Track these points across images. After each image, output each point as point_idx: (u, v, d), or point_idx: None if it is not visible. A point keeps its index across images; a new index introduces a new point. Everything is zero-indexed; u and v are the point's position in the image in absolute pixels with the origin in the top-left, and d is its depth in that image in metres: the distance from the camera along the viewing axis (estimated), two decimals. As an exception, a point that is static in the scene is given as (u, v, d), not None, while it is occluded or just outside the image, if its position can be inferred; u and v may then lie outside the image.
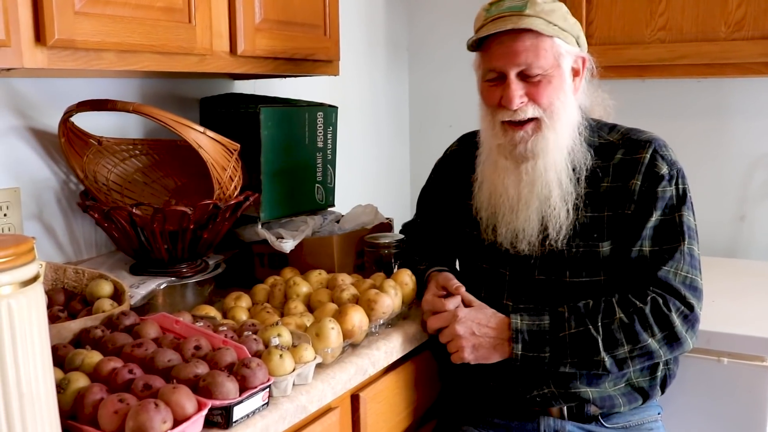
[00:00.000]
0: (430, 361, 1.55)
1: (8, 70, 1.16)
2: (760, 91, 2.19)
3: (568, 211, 1.40)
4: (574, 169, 1.41)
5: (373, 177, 2.61)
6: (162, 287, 1.45)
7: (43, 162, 1.52)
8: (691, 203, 1.41)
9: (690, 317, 1.33)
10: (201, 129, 1.37)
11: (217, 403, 1.00)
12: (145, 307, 1.42)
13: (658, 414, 1.49)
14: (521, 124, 1.38)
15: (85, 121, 1.52)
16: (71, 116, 1.42)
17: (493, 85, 1.39)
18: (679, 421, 1.58)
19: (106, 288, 1.36)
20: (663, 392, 1.46)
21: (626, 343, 1.32)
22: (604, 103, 1.55)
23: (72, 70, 1.37)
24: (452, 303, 1.41)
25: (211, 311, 1.36)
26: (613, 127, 1.48)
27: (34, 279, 0.87)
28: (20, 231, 1.47)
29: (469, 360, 1.38)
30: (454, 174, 1.60)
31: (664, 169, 1.38)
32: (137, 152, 1.63)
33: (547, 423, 1.44)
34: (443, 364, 1.56)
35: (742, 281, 1.93)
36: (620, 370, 1.35)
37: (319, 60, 1.72)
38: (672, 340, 1.32)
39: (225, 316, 1.39)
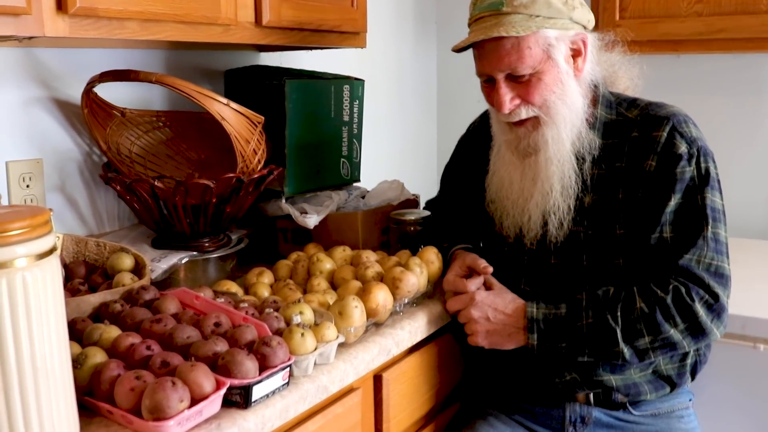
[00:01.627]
0: (453, 343, 1.52)
1: (30, 38, 1.13)
2: (801, 67, 2.11)
3: (569, 206, 1.36)
4: (581, 158, 1.36)
5: (399, 152, 2.57)
6: (184, 262, 1.43)
7: (66, 133, 1.50)
8: (718, 182, 1.33)
9: (715, 307, 1.27)
10: (224, 101, 1.34)
11: (236, 382, 0.98)
12: (166, 282, 1.41)
13: (690, 401, 1.44)
14: (521, 122, 1.35)
15: (108, 92, 1.50)
16: (94, 87, 1.40)
17: (488, 87, 1.37)
18: (712, 408, 1.54)
19: (127, 261, 1.34)
20: (693, 379, 1.42)
21: (647, 334, 1.27)
22: (630, 74, 1.48)
23: (95, 40, 1.35)
24: (474, 284, 1.37)
25: (233, 287, 1.33)
26: (633, 102, 1.41)
27: (51, 251, 0.85)
28: (42, 203, 1.46)
29: (482, 345, 1.36)
30: (476, 150, 1.56)
31: (683, 148, 1.30)
32: (160, 124, 1.61)
33: (573, 409, 1.40)
34: (467, 346, 1.53)
35: (778, 265, 1.87)
36: (641, 361, 1.31)
37: (345, 32, 1.68)
38: (696, 330, 1.27)
39: (247, 292, 1.37)
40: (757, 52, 1.99)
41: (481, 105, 2.73)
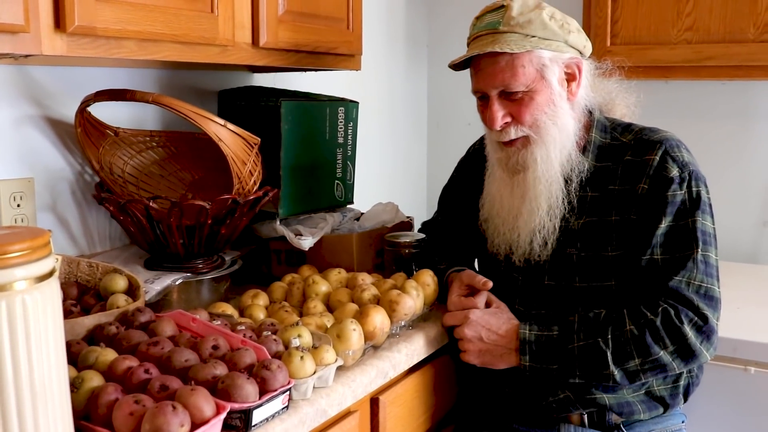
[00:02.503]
0: (448, 365, 1.51)
1: (26, 56, 1.12)
2: (787, 94, 2.14)
3: (555, 226, 1.38)
4: (568, 179, 1.37)
5: (389, 174, 2.57)
6: (178, 283, 1.41)
7: (58, 152, 1.49)
8: (709, 206, 1.35)
9: (705, 329, 1.27)
10: (221, 122, 1.33)
11: (236, 406, 0.96)
12: (159, 303, 1.39)
13: (683, 422, 1.44)
14: (511, 142, 1.37)
15: (101, 111, 1.48)
16: (88, 106, 1.39)
17: (482, 105, 1.40)
18: (704, 430, 1.54)
19: (121, 283, 1.33)
20: (686, 400, 1.42)
21: (636, 356, 1.28)
22: (627, 101, 1.50)
23: (89, 59, 1.34)
24: (477, 301, 1.39)
25: (228, 309, 1.32)
26: (627, 127, 1.43)
27: (50, 274, 0.84)
28: (33, 222, 1.44)
29: (474, 363, 1.38)
30: (474, 172, 1.57)
31: (674, 172, 1.32)
32: (154, 144, 1.60)
33: (568, 430, 1.40)
34: (461, 367, 1.52)
35: (766, 288, 1.89)
36: (632, 383, 1.32)
37: (341, 54, 1.68)
38: (685, 353, 1.27)
39: (242, 314, 1.35)
40: (744, 80, 2.02)
41: (471, 127, 2.74)
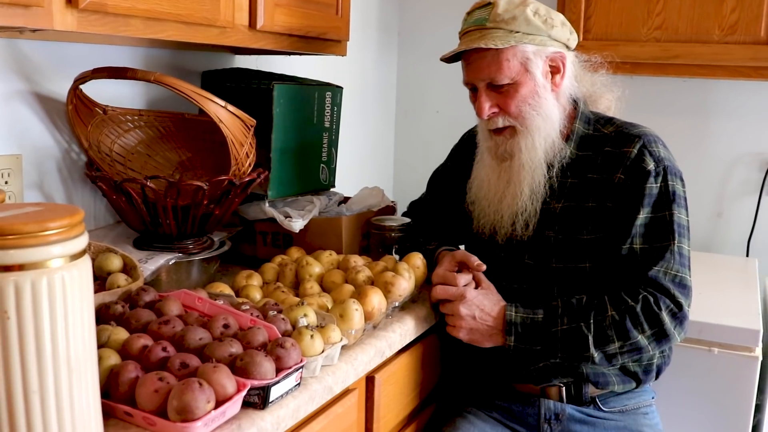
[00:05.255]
0: (434, 345, 1.56)
1: (34, 31, 1.11)
2: (741, 92, 2.27)
3: (536, 210, 1.45)
4: (551, 166, 1.44)
5: (358, 160, 2.60)
6: (171, 263, 1.41)
7: (46, 129, 1.46)
8: (684, 199, 1.43)
9: (678, 315, 1.37)
10: (222, 103, 1.34)
11: (256, 383, 0.99)
12: (149, 284, 1.39)
13: (652, 398, 1.54)
14: (499, 130, 1.45)
15: (88, 88, 1.46)
16: (84, 83, 1.37)
17: (473, 95, 1.47)
18: (671, 406, 1.64)
19: (116, 262, 1.33)
20: (657, 378, 1.51)
21: (617, 340, 1.35)
22: (611, 95, 1.58)
23: (78, 35, 1.33)
24: (463, 279, 1.44)
25: (226, 289, 1.33)
26: (609, 120, 1.51)
27: (84, 252, 0.84)
28: (20, 200, 1.41)
29: (462, 339, 1.43)
30: (464, 157, 1.63)
31: (651, 165, 1.40)
32: (142, 123, 1.58)
33: (547, 406, 1.47)
34: (447, 346, 1.58)
35: (721, 274, 2.01)
36: (609, 363, 1.40)
37: (329, 39, 1.70)
38: (660, 336, 1.36)
39: (237, 294, 1.37)
40: (707, 78, 2.12)
41: (439, 115, 2.80)
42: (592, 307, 1.37)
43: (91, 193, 1.56)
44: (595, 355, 1.36)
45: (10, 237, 0.76)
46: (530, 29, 1.38)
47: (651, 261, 1.38)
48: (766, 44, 1.91)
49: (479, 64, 1.41)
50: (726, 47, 1.96)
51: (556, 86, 1.44)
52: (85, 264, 0.84)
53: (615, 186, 1.41)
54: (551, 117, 1.44)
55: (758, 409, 1.66)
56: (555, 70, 1.44)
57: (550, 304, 1.40)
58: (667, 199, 1.40)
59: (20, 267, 0.76)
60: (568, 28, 1.45)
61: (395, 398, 1.41)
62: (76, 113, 1.44)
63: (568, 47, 1.45)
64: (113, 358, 1.00)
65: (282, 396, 1.04)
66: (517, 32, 1.37)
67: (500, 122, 1.44)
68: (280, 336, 1.10)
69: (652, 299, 1.35)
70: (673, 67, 2.03)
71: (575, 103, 1.49)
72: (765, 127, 2.26)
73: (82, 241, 0.84)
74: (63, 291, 0.79)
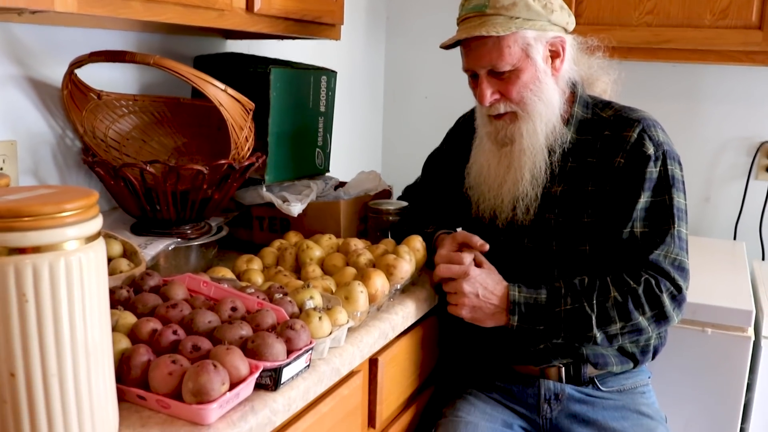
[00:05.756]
0: (433, 328, 1.57)
1: (33, 12, 1.09)
2: (730, 77, 2.29)
3: (537, 195, 1.46)
4: (552, 150, 1.45)
5: (346, 145, 2.59)
6: (171, 248, 1.41)
7: (40, 115, 1.44)
8: (682, 184, 1.45)
9: (678, 297, 1.39)
10: (222, 86, 1.33)
11: (269, 364, 0.99)
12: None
13: (648, 378, 1.56)
14: (500, 116, 1.45)
15: (82, 74, 1.44)
16: (80, 66, 1.35)
17: (473, 82, 1.47)
18: (667, 386, 1.67)
19: (116, 247, 1.32)
20: (653, 358, 1.53)
21: (618, 321, 1.37)
22: (607, 78, 1.59)
23: (75, 17, 1.31)
24: (467, 258, 1.44)
25: (228, 273, 1.33)
26: (608, 104, 1.52)
27: (99, 234, 0.84)
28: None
29: (464, 317, 1.42)
30: (461, 141, 1.63)
31: (651, 150, 1.41)
32: (136, 108, 1.57)
33: (547, 386, 1.49)
34: (448, 328, 1.59)
35: (711, 257, 2.04)
36: (610, 344, 1.41)
37: (324, 23, 1.69)
38: (660, 318, 1.38)
39: (238, 278, 1.36)
40: (697, 63, 2.14)
41: (428, 101, 2.80)
42: (595, 288, 1.38)
43: (86, 178, 1.54)
44: (598, 335, 1.37)
45: (27, 219, 0.75)
46: (530, 15, 1.38)
47: (652, 244, 1.39)
48: (758, 29, 1.93)
49: (480, 51, 1.40)
50: (717, 32, 1.98)
51: (556, 71, 1.45)
52: (101, 246, 0.83)
53: (615, 170, 1.42)
54: (552, 102, 1.44)
55: (749, 388, 1.69)
56: (555, 54, 1.44)
57: (552, 284, 1.41)
58: (666, 183, 1.41)
59: (36, 249, 0.76)
60: (566, 12, 1.45)
61: (397, 380, 1.42)
62: (71, 98, 1.42)
63: (566, 30, 1.46)
64: (123, 342, 1.00)
65: (292, 378, 1.04)
66: (518, 18, 1.37)
67: (501, 108, 1.44)
68: (289, 318, 1.10)
69: (653, 282, 1.37)
70: (664, 51, 2.04)
71: (573, 86, 1.50)
72: (753, 112, 2.29)
73: (97, 223, 0.83)
74: (80, 273, 0.79)
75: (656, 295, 1.37)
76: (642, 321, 1.37)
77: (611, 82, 1.57)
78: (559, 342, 1.43)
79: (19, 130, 1.40)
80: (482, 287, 1.41)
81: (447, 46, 1.46)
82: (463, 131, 1.65)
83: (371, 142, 2.78)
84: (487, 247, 1.45)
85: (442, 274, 1.43)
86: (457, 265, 1.42)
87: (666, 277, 1.38)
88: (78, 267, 0.78)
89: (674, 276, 1.38)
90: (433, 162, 1.73)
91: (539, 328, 1.39)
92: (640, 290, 1.37)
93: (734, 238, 2.34)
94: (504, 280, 1.43)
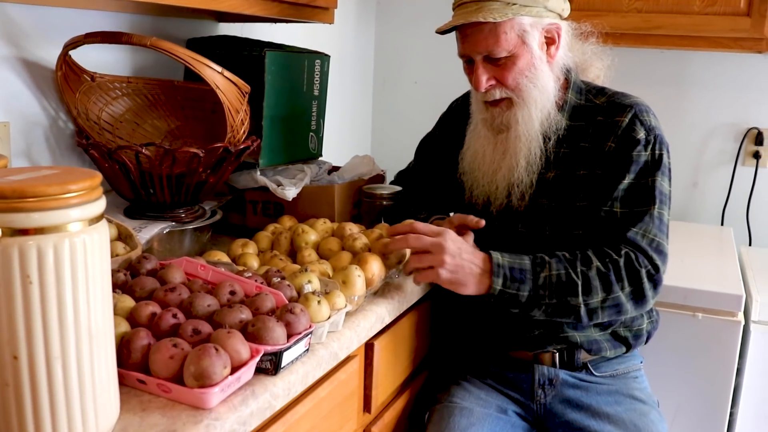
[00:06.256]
0: (427, 313, 1.58)
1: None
2: (718, 63, 2.31)
3: (532, 181, 1.46)
4: (547, 137, 1.46)
5: (336, 129, 2.58)
6: (166, 232, 1.40)
7: (33, 96, 1.42)
8: (669, 170, 1.45)
9: (655, 277, 1.38)
10: (219, 69, 1.32)
11: (269, 348, 0.99)
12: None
13: (641, 363, 1.58)
14: (495, 102, 1.45)
15: (75, 55, 1.43)
16: (76, 48, 1.33)
17: (468, 68, 1.46)
18: (658, 370, 1.69)
19: (111, 231, 1.30)
20: (646, 342, 1.55)
21: (600, 292, 1.34)
22: (600, 64, 1.60)
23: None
24: (470, 240, 1.42)
25: (224, 257, 1.32)
26: (601, 90, 1.52)
27: (102, 216, 0.83)
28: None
29: (442, 279, 1.32)
30: (455, 126, 1.63)
31: (641, 134, 1.42)
32: (130, 91, 1.55)
33: (541, 372, 1.50)
34: (442, 314, 1.60)
35: (699, 242, 2.06)
36: (590, 320, 1.37)
37: (318, 6, 1.68)
38: (637, 296, 1.37)
39: (234, 262, 1.36)
40: (687, 49, 2.16)
41: (417, 86, 2.80)
42: (577, 258, 1.37)
43: (78, 161, 1.52)
44: (581, 306, 1.34)
45: (31, 199, 0.74)
46: (527, 1, 1.38)
47: (630, 223, 1.39)
48: (746, 15, 1.95)
49: (476, 37, 1.40)
50: (706, 18, 1.99)
51: (551, 57, 1.45)
52: (104, 228, 0.82)
53: (605, 154, 1.43)
54: (547, 88, 1.44)
55: (739, 372, 1.72)
56: (550, 41, 1.44)
57: (534, 255, 1.38)
58: (653, 167, 1.42)
59: (41, 230, 0.75)
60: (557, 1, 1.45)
61: (392, 365, 1.42)
62: (64, 80, 1.40)
63: (561, 17, 1.46)
64: (123, 326, 0.99)
65: (292, 362, 1.04)
66: (515, 4, 1.37)
67: (497, 94, 1.43)
68: (288, 302, 1.10)
69: (633, 256, 1.37)
70: (654, 37, 2.05)
71: (567, 72, 1.50)
72: (741, 98, 2.31)
73: (101, 205, 0.82)
74: (84, 255, 0.78)
75: (636, 269, 1.36)
76: (621, 296, 1.35)
77: (604, 68, 1.57)
78: (548, 324, 1.44)
79: (12, 112, 1.38)
80: (463, 247, 1.34)
81: (442, 32, 1.45)
82: (456, 116, 1.65)
83: (361, 127, 2.78)
84: (483, 222, 1.43)
85: (419, 230, 1.34)
86: (432, 226, 1.36)
87: (644, 254, 1.38)
88: (82, 249, 0.78)
89: (651, 255, 1.38)
90: (425, 146, 1.73)
91: (521, 294, 1.34)
92: (621, 262, 1.36)
93: (722, 224, 2.37)
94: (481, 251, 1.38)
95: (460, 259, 1.33)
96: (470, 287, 1.34)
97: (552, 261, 1.36)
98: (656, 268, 1.38)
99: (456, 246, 1.33)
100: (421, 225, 1.36)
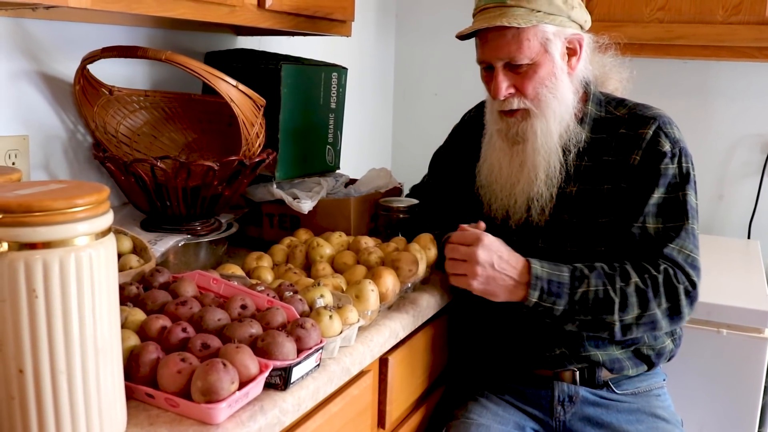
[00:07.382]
0: (444, 328, 1.56)
1: (47, 8, 1.09)
2: (743, 73, 2.27)
3: (552, 195, 1.43)
4: (567, 150, 1.43)
5: (357, 142, 2.58)
6: (181, 245, 1.40)
7: (52, 110, 1.44)
8: (695, 183, 1.43)
9: (691, 294, 1.36)
10: (233, 82, 1.32)
11: (279, 363, 0.98)
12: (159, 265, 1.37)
13: (663, 380, 1.54)
14: (512, 112, 1.42)
15: (93, 69, 1.44)
16: (93, 62, 1.35)
17: (487, 75, 1.44)
18: (682, 388, 1.65)
19: (126, 243, 1.31)
20: (669, 360, 1.51)
21: (636, 308, 1.32)
22: (620, 76, 1.57)
23: (84, 13, 1.31)
24: (482, 225, 1.41)
25: (238, 270, 1.32)
26: (621, 102, 1.50)
27: (110, 230, 0.83)
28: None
29: (475, 289, 1.33)
30: (469, 138, 1.61)
31: (667, 147, 1.40)
32: (147, 104, 1.56)
33: (561, 388, 1.47)
34: (460, 328, 1.58)
35: (725, 256, 2.02)
36: (623, 336, 1.36)
37: (335, 19, 1.68)
38: (674, 312, 1.35)
39: (248, 276, 1.35)
40: (709, 59, 2.12)
41: (438, 98, 2.79)
42: (616, 272, 1.35)
43: (96, 174, 1.54)
44: (616, 323, 1.32)
45: (38, 214, 0.74)
46: (552, 9, 1.36)
47: (666, 238, 1.37)
48: (771, 24, 1.91)
49: (498, 42, 1.37)
50: (730, 27, 1.95)
51: (572, 69, 1.43)
52: (111, 242, 0.82)
53: (630, 167, 1.41)
54: (566, 100, 1.42)
55: (766, 391, 1.67)
56: (572, 52, 1.42)
57: (573, 265, 1.36)
58: (681, 181, 1.40)
59: (47, 245, 0.75)
60: (584, 10, 1.44)
61: (407, 380, 1.41)
62: (83, 94, 1.41)
63: (583, 29, 1.44)
64: (132, 339, 0.99)
65: (302, 377, 1.03)
66: (539, 11, 1.35)
67: (515, 104, 1.41)
68: (299, 317, 1.09)
69: (672, 272, 1.34)
70: (676, 48, 2.02)
71: (587, 85, 1.48)
72: (766, 108, 2.27)
73: (108, 219, 0.82)
74: (90, 269, 0.78)
75: (674, 286, 1.34)
76: (657, 312, 1.33)
77: (623, 81, 1.55)
78: (572, 341, 1.41)
79: (31, 125, 1.40)
80: (497, 256, 1.34)
81: (463, 36, 1.43)
82: (470, 127, 1.63)
83: (381, 139, 2.77)
84: (482, 225, 1.41)
85: (455, 241, 1.35)
86: (470, 232, 1.36)
87: (681, 270, 1.36)
88: (88, 263, 0.78)
89: (689, 271, 1.36)
90: (438, 160, 1.71)
91: (557, 309, 1.32)
92: (660, 279, 1.33)
93: (748, 237, 2.31)
94: (518, 254, 1.37)
95: (493, 271, 1.33)
96: (502, 297, 1.35)
97: (591, 276, 1.34)
98: (693, 285, 1.36)
99: (489, 255, 1.33)
100: (456, 234, 1.37)
